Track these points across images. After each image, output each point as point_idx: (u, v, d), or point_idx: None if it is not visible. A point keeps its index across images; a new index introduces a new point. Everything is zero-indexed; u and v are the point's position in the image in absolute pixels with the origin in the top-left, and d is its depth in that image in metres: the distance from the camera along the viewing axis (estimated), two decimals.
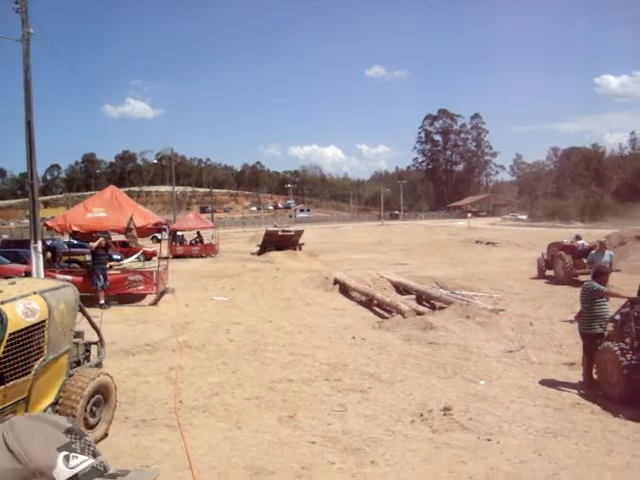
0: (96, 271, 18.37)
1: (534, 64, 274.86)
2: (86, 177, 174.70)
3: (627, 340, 9.41)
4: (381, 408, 8.76)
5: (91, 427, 7.37)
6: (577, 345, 11.13)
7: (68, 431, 2.01)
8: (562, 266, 22.73)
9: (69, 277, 17.15)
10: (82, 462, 1.92)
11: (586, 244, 23.15)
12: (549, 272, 24.11)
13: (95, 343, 8.71)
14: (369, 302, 19.08)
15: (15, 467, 1.81)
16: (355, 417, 8.40)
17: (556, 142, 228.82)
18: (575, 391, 9.54)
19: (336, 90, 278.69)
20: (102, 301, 18.29)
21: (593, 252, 12.74)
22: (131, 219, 18.21)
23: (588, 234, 40.96)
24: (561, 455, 6.85)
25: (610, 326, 9.92)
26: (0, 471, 1.79)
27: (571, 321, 11.80)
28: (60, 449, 1.92)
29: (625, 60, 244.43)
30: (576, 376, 10.26)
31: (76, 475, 1.87)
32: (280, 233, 41.76)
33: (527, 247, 41.40)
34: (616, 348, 9.21)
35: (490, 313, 14.90)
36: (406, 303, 17.40)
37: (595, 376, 9.80)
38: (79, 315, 8.08)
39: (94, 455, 2.00)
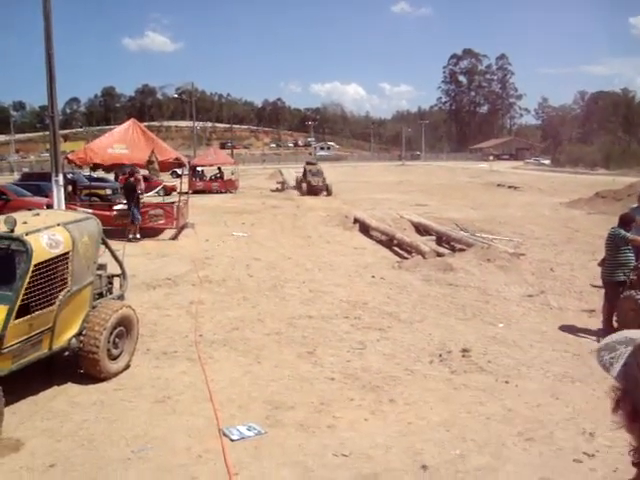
0: (133, 206, 18.57)
1: (565, 2, 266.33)
2: (105, 111, 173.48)
3: None
4: (400, 347, 8.81)
5: (114, 358, 7.49)
6: (597, 292, 11.08)
7: None
8: None
9: (90, 210, 17.23)
10: None
11: None
12: None
13: (118, 276, 8.78)
14: (389, 242, 19.05)
15: None
16: (374, 355, 8.46)
17: (584, 86, 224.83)
18: (594, 338, 9.51)
19: (359, 26, 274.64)
20: (138, 235, 18.49)
21: (634, 206, 12.28)
22: (153, 152, 18.18)
23: (613, 181, 40.48)
24: (578, 400, 6.87)
25: (633, 274, 9.83)
26: None
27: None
28: None
29: None
30: (595, 323, 10.22)
31: None
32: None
33: (549, 192, 40.93)
34: (638, 297, 9.13)
35: (511, 257, 14.84)
36: (426, 244, 17.35)
37: (615, 324, 9.75)
38: (102, 248, 8.13)
39: None
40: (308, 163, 42.10)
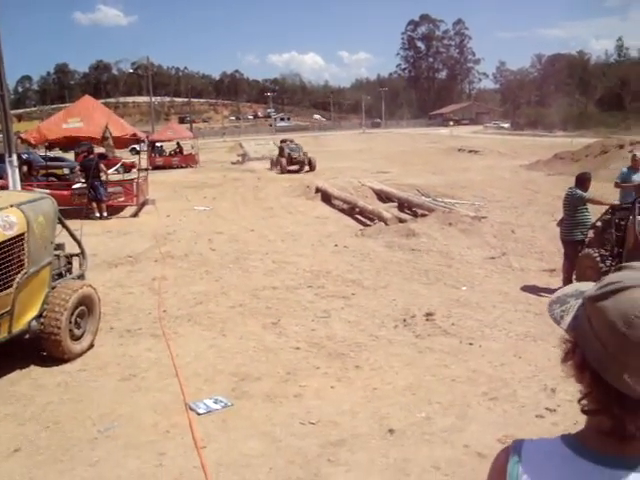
0: (94, 183, 18.14)
1: None
2: (59, 89, 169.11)
3: (607, 247, 9.49)
4: (364, 314, 8.84)
5: (77, 338, 7.40)
6: (558, 252, 11.22)
7: None
8: None
9: (47, 190, 16.92)
10: None
11: None
12: None
13: (77, 255, 8.64)
14: (351, 210, 19.09)
15: None
16: (339, 323, 8.49)
17: (541, 49, 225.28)
18: None
19: None
20: (105, 213, 18.22)
21: (624, 169, 12.24)
22: (107, 127, 17.81)
23: (571, 143, 40.97)
24: (540, 357, 6.97)
25: (591, 233, 9.98)
26: None
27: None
28: None
29: None
30: (556, 282, 10.35)
31: None
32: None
33: (509, 155, 41.29)
34: (596, 254, 9.28)
35: (472, 220, 14.97)
36: (388, 211, 17.42)
37: (575, 282, 9.89)
38: (59, 228, 7.98)
39: None
40: (283, 141, 38.27)
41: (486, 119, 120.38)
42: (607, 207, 10.04)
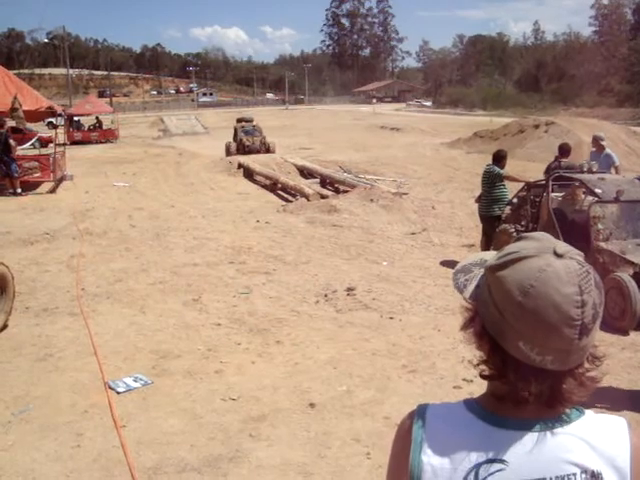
0: (5, 159, 17.44)
1: None
2: None
3: (523, 222, 9.78)
4: (286, 289, 8.86)
5: None
6: (476, 228, 11.52)
7: None
8: None
9: None
10: None
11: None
12: None
13: None
14: (273, 186, 19.05)
15: None
16: (260, 299, 8.47)
17: (462, 29, 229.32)
18: None
19: None
20: (19, 190, 17.58)
21: (592, 150, 11.87)
22: (15, 98, 16.97)
23: (490, 122, 41.87)
24: (458, 330, 7.13)
25: (508, 209, 10.26)
26: None
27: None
28: None
29: None
30: None
31: None
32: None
33: (431, 133, 41.95)
34: (512, 230, 9.54)
35: (393, 196, 15.14)
36: (310, 187, 17.46)
37: None
38: None
39: None
40: (239, 120, 32.28)
41: (408, 97, 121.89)
42: (523, 184, 10.34)
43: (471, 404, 1.25)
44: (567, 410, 1.19)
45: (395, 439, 1.32)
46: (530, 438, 1.16)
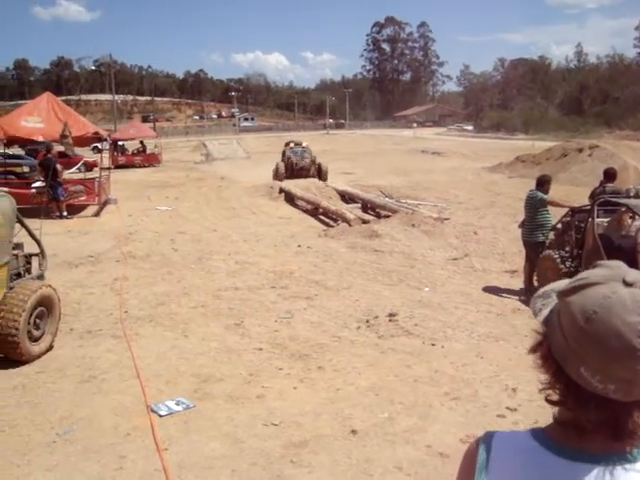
0: (52, 183, 17.89)
1: None
2: (19, 85, 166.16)
3: (567, 248, 9.63)
4: (327, 315, 8.84)
5: (35, 340, 7.26)
6: (519, 253, 11.36)
7: None
8: None
9: (5, 189, 16.62)
10: None
11: None
12: None
13: (36, 255, 8.47)
14: (315, 211, 19.10)
15: None
16: (302, 324, 8.47)
17: (503, 53, 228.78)
18: (516, 297, 9.78)
19: None
20: (65, 212, 17.97)
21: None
22: (66, 125, 17.49)
23: (532, 146, 41.49)
24: (502, 358, 7.05)
25: (551, 235, 10.12)
26: None
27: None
28: None
29: None
30: (517, 283, 10.50)
31: None
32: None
33: (472, 157, 41.71)
34: (556, 256, 9.40)
35: (435, 221, 15.07)
36: (351, 211, 17.47)
37: (535, 283, 10.03)
38: (17, 227, 7.82)
39: None
40: (287, 144, 30.56)
41: (449, 121, 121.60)
42: (567, 209, 10.20)
43: (537, 432, 1.25)
44: (635, 449, 1.16)
45: (461, 462, 1.34)
46: (592, 472, 1.15)
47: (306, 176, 27.65)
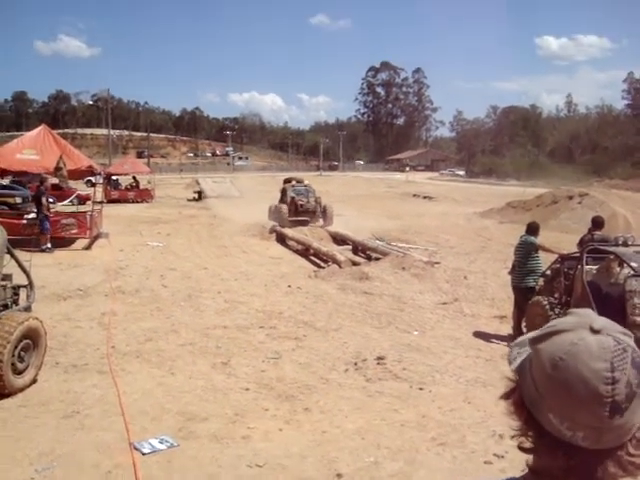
0: (42, 215, 17.87)
1: (478, 22, 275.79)
2: (16, 116, 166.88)
3: (556, 295, 9.66)
4: (315, 356, 8.80)
5: (19, 372, 7.17)
6: (508, 299, 11.38)
7: None
8: None
9: None
10: None
11: None
12: None
13: (24, 286, 8.41)
14: (305, 251, 19.13)
15: None
16: (289, 364, 8.42)
17: (496, 100, 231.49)
18: (505, 343, 9.75)
19: (277, 37, 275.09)
20: (49, 245, 17.89)
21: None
22: (60, 158, 17.56)
23: (523, 192, 41.83)
24: (489, 403, 7.00)
25: (541, 281, 10.16)
26: None
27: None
28: None
29: (565, 23, 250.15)
30: (506, 329, 10.50)
31: None
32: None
33: (464, 202, 42.00)
34: (545, 302, 9.42)
35: (425, 265, 15.09)
36: (342, 253, 17.51)
37: (524, 329, 10.04)
38: (7, 257, 7.80)
39: None
40: (287, 181, 28.31)
41: (442, 166, 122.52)
42: (556, 256, 10.25)
43: None
44: None
45: None
46: None
47: (311, 218, 25.76)
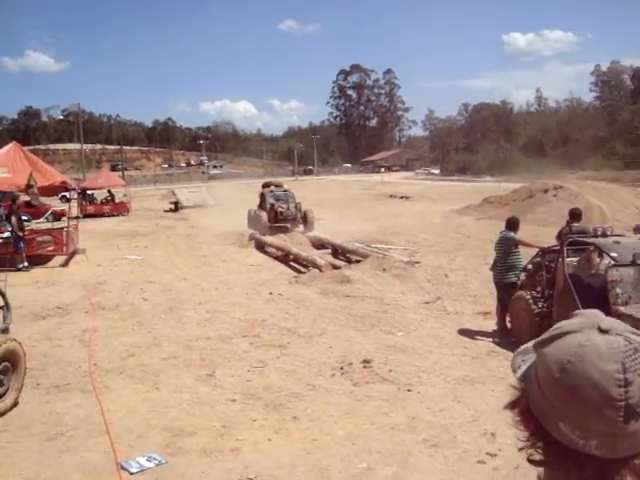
0: (14, 234, 17.62)
1: (446, 21, 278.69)
2: None
3: (538, 289, 9.67)
4: (301, 363, 8.72)
5: None
6: (491, 295, 11.40)
7: None
8: None
9: None
10: None
11: None
12: None
13: (0, 308, 8.26)
14: (285, 257, 19.04)
15: None
16: (275, 373, 8.34)
17: (467, 98, 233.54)
18: (490, 339, 9.77)
19: (246, 44, 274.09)
20: (26, 263, 17.64)
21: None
22: (31, 175, 17.32)
23: (499, 188, 42.09)
24: (479, 401, 6.99)
25: (523, 275, 10.17)
26: None
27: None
28: None
29: (531, 19, 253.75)
30: (491, 325, 10.50)
31: None
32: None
33: (440, 201, 42.13)
34: (528, 297, 9.44)
35: (406, 265, 15.07)
36: (322, 257, 17.45)
37: (508, 324, 10.05)
38: None
39: None
40: (265, 185, 27.47)
41: (417, 165, 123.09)
42: (537, 250, 10.27)
43: None
44: None
45: None
46: None
47: (292, 225, 25.06)
